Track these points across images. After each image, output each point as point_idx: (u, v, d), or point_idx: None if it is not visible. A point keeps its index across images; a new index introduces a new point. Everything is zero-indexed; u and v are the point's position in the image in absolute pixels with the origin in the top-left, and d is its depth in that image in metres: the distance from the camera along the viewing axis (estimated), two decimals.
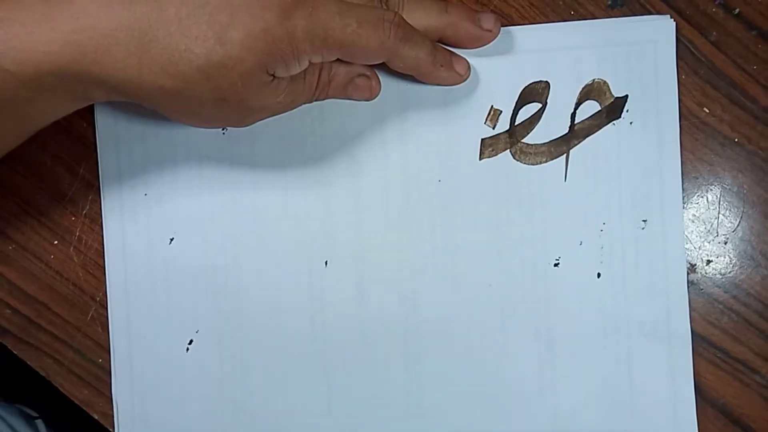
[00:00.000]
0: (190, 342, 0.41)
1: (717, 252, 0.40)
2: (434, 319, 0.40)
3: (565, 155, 0.40)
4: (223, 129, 0.41)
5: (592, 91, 0.40)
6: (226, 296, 0.41)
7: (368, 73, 0.39)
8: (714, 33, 0.40)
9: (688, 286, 0.40)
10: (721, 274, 0.40)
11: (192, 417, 0.41)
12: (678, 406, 0.40)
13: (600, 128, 0.40)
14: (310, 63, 0.35)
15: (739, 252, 0.40)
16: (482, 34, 0.39)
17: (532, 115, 0.40)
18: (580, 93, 0.40)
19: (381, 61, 0.37)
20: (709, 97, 0.40)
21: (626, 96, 0.40)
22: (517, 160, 0.40)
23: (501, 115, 0.40)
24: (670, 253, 0.40)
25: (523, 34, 0.40)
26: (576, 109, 0.40)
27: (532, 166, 0.40)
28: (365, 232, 0.41)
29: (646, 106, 0.40)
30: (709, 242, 0.41)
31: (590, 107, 0.40)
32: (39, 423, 0.52)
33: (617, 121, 0.40)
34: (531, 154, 0.40)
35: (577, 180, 0.40)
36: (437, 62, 0.38)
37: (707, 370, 0.40)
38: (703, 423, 0.40)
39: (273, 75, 0.34)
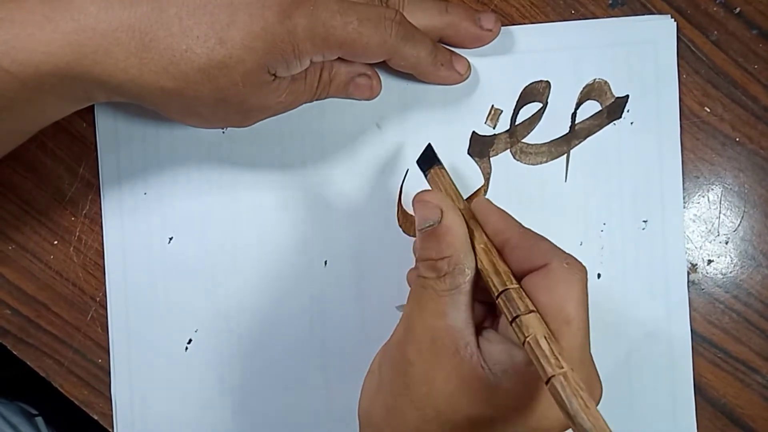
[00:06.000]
0: (189, 341, 0.41)
1: (718, 252, 0.40)
2: None
3: (565, 155, 0.40)
4: (223, 129, 0.41)
5: (592, 90, 0.40)
6: (225, 296, 0.41)
7: (369, 73, 0.39)
8: (715, 32, 0.40)
9: (688, 286, 0.40)
10: (722, 274, 0.40)
11: (191, 416, 0.41)
12: (678, 406, 0.40)
13: (601, 128, 0.40)
14: (311, 62, 0.34)
15: (740, 252, 0.40)
16: (482, 34, 0.39)
17: (532, 115, 0.40)
18: (580, 93, 0.40)
19: (382, 60, 0.37)
20: (710, 97, 0.40)
21: (627, 96, 0.40)
22: (518, 160, 0.40)
23: (501, 115, 0.40)
24: (671, 252, 0.40)
25: (523, 33, 0.40)
26: (577, 108, 0.40)
27: (532, 166, 0.40)
28: (365, 232, 0.41)
29: (646, 106, 0.40)
30: (710, 242, 0.40)
31: (591, 107, 0.40)
32: (39, 420, 0.52)
33: (618, 121, 0.40)
34: (531, 153, 0.40)
35: (578, 180, 0.40)
36: (438, 61, 0.38)
37: (707, 370, 0.40)
38: (703, 422, 0.40)
39: (274, 75, 0.34)
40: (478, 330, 0.31)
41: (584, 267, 0.30)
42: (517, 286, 0.30)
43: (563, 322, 0.29)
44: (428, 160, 0.35)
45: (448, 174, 0.35)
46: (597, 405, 0.29)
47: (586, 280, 0.30)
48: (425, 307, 0.31)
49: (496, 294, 0.30)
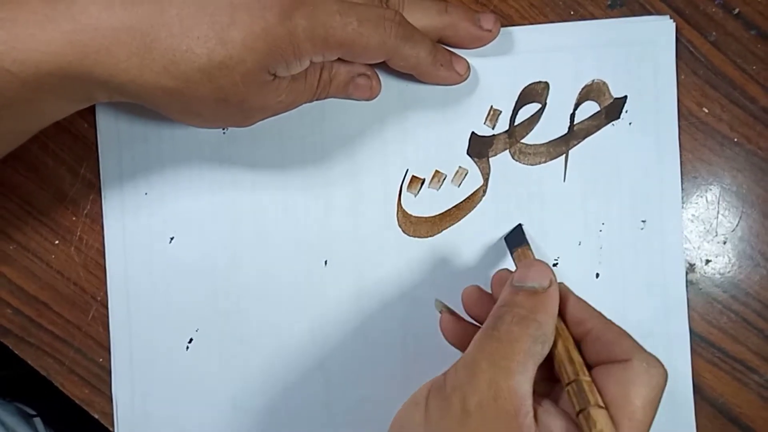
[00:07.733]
0: (190, 341, 0.41)
1: (716, 252, 0.41)
2: (433, 318, 0.40)
3: (564, 155, 0.40)
4: (223, 129, 0.41)
5: (591, 91, 0.40)
6: (225, 295, 0.41)
7: (369, 73, 0.39)
8: (713, 33, 0.40)
9: (687, 286, 0.40)
10: (720, 274, 0.41)
11: (192, 416, 0.41)
12: (676, 405, 0.40)
13: (599, 129, 0.40)
14: (311, 62, 0.35)
15: (738, 252, 0.41)
16: (482, 34, 0.39)
17: (531, 116, 0.40)
18: (579, 93, 0.40)
19: (381, 60, 0.37)
20: (708, 97, 0.40)
21: (625, 96, 0.40)
22: (516, 161, 0.40)
23: (500, 115, 0.40)
24: (669, 252, 0.40)
25: (522, 34, 0.40)
26: (575, 109, 0.40)
27: (531, 167, 0.40)
28: (365, 232, 0.41)
29: (645, 107, 0.40)
30: (708, 242, 0.41)
31: (589, 108, 0.40)
32: (37, 421, 0.52)
33: (616, 121, 0.40)
34: (530, 154, 0.40)
35: (576, 180, 0.40)
36: (437, 61, 0.38)
37: (706, 370, 0.41)
38: (702, 422, 0.40)
39: (274, 75, 0.34)
40: (535, 399, 0.31)
41: (665, 371, 0.31)
42: (590, 378, 0.31)
43: (626, 416, 0.29)
44: (517, 238, 0.38)
45: (533, 255, 0.37)
46: None
47: (664, 384, 0.31)
48: (495, 362, 0.31)
49: (567, 381, 0.31)
